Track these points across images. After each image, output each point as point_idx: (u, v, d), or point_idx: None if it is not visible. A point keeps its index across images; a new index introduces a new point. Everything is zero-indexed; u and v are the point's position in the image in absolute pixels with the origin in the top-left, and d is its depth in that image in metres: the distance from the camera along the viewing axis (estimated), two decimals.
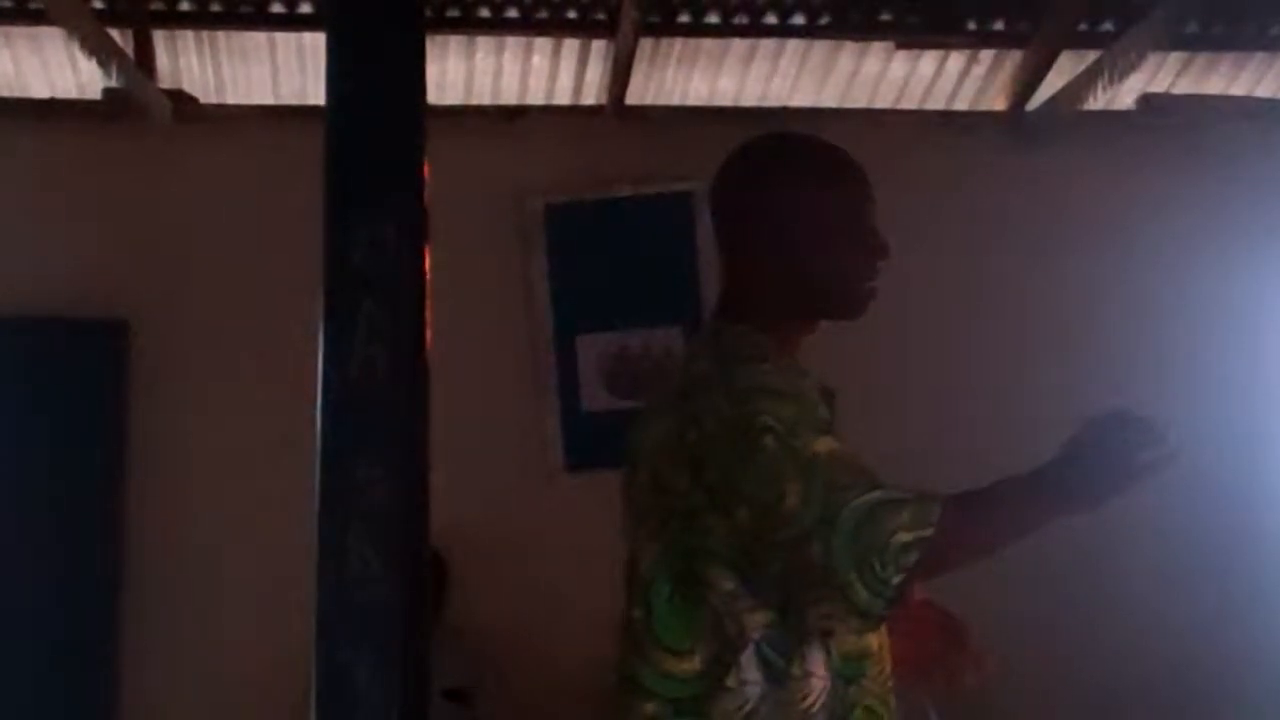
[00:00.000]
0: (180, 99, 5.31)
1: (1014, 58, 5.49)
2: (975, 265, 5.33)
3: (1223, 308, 5.40)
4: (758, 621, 2.22)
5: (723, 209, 2.49)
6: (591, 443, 5.18)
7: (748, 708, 2.21)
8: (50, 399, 5.12)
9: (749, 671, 2.21)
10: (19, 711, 4.92)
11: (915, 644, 2.50)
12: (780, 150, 2.52)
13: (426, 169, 1.78)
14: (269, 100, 5.45)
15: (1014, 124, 5.56)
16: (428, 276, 1.78)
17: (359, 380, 1.68)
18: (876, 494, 2.12)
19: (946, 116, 5.65)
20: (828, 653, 2.26)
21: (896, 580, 2.09)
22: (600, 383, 5.31)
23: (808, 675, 2.24)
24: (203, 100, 5.40)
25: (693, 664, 2.23)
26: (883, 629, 2.34)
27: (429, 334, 1.76)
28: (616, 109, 5.45)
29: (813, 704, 2.24)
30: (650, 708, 2.25)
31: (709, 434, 2.20)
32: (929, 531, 2.10)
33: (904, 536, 2.09)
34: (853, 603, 2.11)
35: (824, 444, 2.17)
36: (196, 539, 5.09)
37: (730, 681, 2.21)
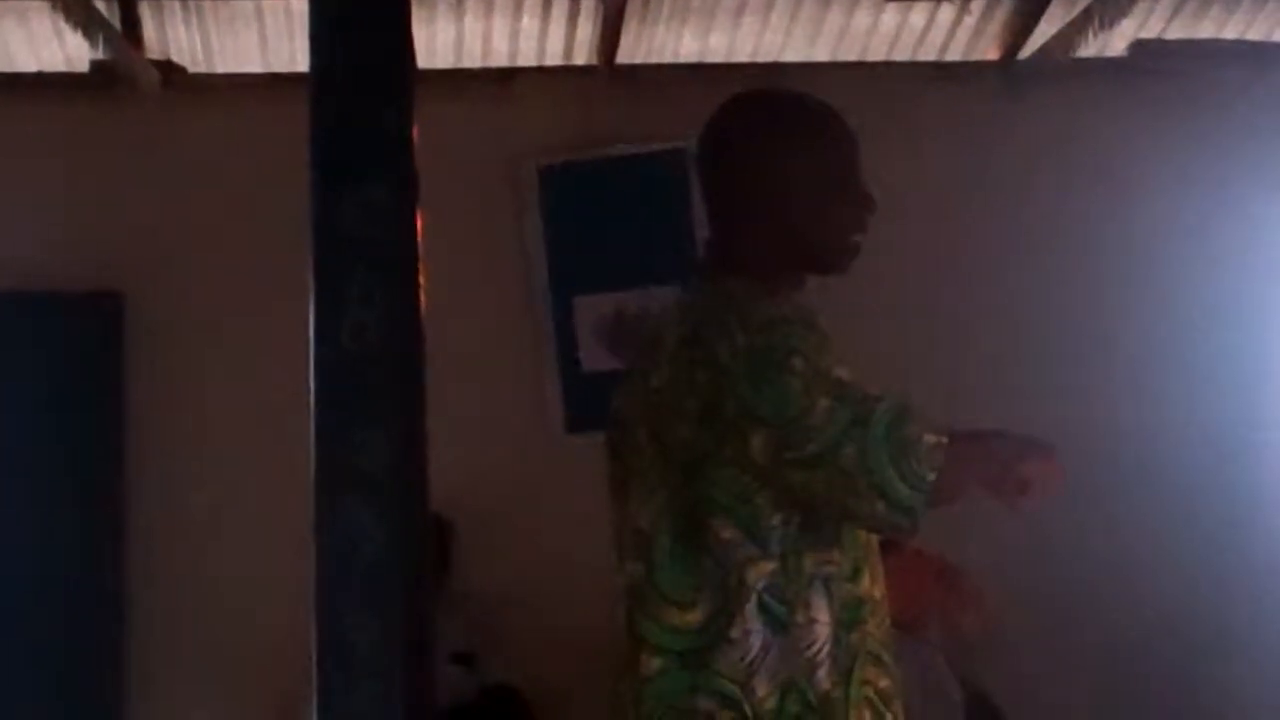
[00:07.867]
0: (168, 69, 5.29)
1: (1005, 7, 5.45)
2: (970, 215, 5.32)
3: (1217, 252, 5.38)
4: (760, 571, 2.23)
5: (712, 164, 2.49)
6: (591, 403, 5.09)
7: (751, 656, 2.22)
8: (46, 371, 5.13)
9: (752, 622, 2.22)
10: (22, 678, 4.94)
11: (912, 593, 2.52)
12: (768, 106, 2.54)
13: (417, 133, 1.77)
14: (257, 68, 5.42)
15: (1007, 73, 5.54)
16: (420, 241, 1.77)
17: (352, 346, 1.67)
18: (902, 400, 2.19)
19: (939, 68, 5.62)
20: (829, 599, 2.27)
21: (931, 477, 2.15)
22: (599, 343, 5.30)
23: (812, 622, 2.25)
24: (191, 70, 5.38)
25: (695, 616, 2.23)
26: (880, 580, 2.35)
27: (424, 298, 1.75)
28: (608, 68, 5.43)
29: (818, 651, 2.25)
30: (656, 662, 2.26)
31: (724, 368, 2.21)
32: (946, 439, 2.18)
33: (931, 439, 2.17)
34: (892, 501, 2.15)
35: (845, 370, 2.22)
36: (195, 506, 5.09)
37: (734, 633, 2.22)
